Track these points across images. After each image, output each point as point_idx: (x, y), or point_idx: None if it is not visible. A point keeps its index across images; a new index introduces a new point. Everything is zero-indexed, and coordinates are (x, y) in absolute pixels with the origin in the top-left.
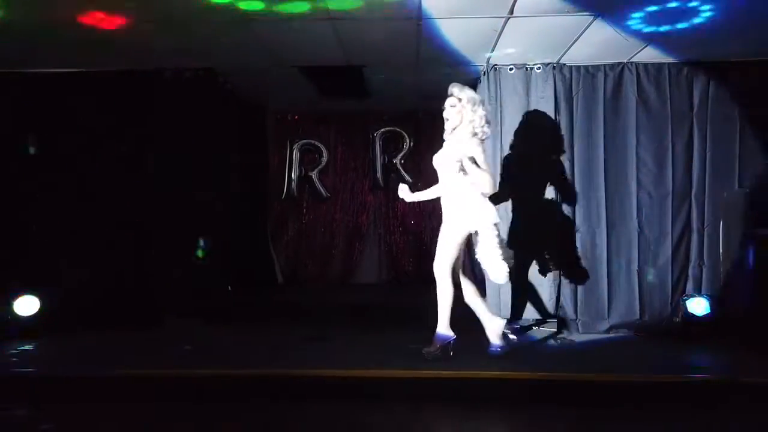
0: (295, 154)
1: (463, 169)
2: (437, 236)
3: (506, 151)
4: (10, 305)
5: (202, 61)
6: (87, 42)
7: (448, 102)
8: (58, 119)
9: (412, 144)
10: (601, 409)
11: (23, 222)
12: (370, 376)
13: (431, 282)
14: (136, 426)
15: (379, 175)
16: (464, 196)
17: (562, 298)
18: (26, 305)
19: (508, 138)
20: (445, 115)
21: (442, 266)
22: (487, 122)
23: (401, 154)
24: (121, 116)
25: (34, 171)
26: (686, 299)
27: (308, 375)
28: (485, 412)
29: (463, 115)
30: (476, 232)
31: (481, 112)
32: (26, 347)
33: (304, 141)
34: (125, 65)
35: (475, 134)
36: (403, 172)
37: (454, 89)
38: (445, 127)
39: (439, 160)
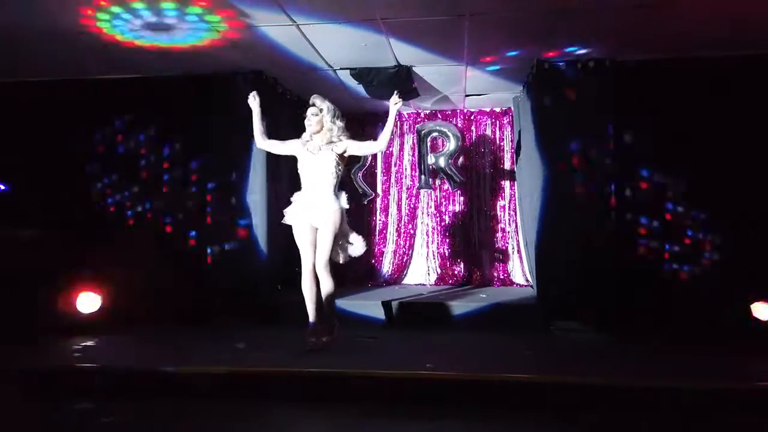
0: None
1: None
2: (486, 238)
3: (555, 150)
4: (73, 303)
5: (254, 64)
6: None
7: (310, 111)
8: (130, 121)
9: (458, 143)
10: None
11: (85, 224)
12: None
13: (483, 284)
14: (192, 420)
15: (425, 174)
16: (333, 194)
17: None
18: (88, 303)
19: (558, 137)
20: (306, 122)
21: (327, 263)
22: (345, 131)
23: (448, 154)
24: (180, 118)
25: (95, 173)
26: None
27: (359, 375)
28: None
29: (323, 123)
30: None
31: (339, 123)
32: (88, 343)
33: None
34: (183, 71)
35: (340, 139)
36: (453, 172)
37: (316, 100)
38: (307, 133)
39: (308, 162)
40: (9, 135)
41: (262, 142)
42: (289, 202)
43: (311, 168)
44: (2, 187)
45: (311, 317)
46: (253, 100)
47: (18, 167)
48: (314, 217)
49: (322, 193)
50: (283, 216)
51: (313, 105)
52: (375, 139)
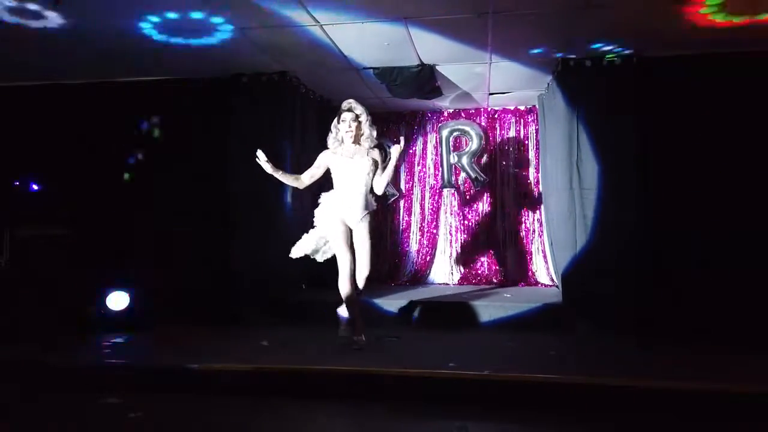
0: None
1: (378, 170)
2: (510, 237)
3: (582, 152)
4: (103, 301)
5: (277, 65)
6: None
7: (349, 117)
8: (156, 124)
9: (481, 142)
10: None
11: (115, 224)
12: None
13: (507, 284)
14: (217, 417)
15: (448, 174)
16: (369, 196)
17: None
18: (117, 301)
19: (584, 139)
20: (344, 127)
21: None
22: (375, 135)
23: (470, 153)
24: (206, 119)
25: (125, 173)
26: None
27: (383, 373)
28: None
29: (363, 129)
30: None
31: (374, 129)
32: (117, 340)
33: None
34: (207, 72)
35: (374, 146)
36: (476, 171)
37: (354, 106)
38: (344, 138)
39: (344, 167)
40: (40, 136)
41: (302, 182)
42: (315, 204)
43: (348, 173)
44: (35, 188)
45: (346, 314)
46: (262, 160)
47: (50, 167)
48: (351, 218)
49: (360, 195)
50: (308, 215)
51: (351, 110)
52: (398, 138)
